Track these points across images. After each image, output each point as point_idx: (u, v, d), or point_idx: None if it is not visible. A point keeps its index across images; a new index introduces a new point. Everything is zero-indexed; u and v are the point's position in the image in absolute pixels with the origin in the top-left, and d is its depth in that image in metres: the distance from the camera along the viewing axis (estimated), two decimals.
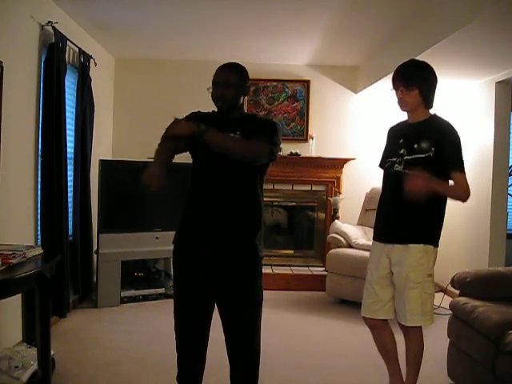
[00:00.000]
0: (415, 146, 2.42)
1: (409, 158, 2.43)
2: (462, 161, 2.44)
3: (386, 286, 2.54)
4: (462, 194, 2.43)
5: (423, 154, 2.38)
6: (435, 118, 2.50)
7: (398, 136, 2.56)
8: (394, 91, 2.51)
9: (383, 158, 2.65)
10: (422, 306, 2.42)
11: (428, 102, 2.48)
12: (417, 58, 3.77)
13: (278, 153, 2.08)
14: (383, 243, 2.54)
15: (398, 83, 2.47)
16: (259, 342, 2.12)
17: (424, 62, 2.54)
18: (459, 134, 2.46)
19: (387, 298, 2.55)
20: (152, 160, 1.99)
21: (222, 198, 2.04)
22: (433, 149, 2.37)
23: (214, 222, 2.03)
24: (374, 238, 2.65)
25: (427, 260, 2.45)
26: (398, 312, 2.52)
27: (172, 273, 2.22)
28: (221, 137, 1.98)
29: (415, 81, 2.42)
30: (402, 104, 2.49)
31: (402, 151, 2.47)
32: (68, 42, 3.79)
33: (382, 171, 2.65)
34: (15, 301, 2.80)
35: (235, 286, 2.05)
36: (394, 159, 2.50)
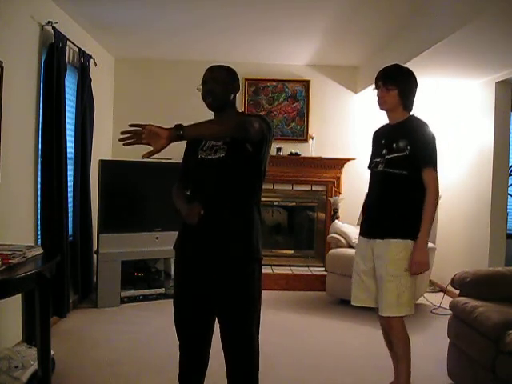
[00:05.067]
0: (394, 145, 2.55)
1: (389, 157, 2.56)
2: (432, 158, 2.53)
3: (373, 277, 2.65)
4: (434, 199, 2.51)
5: (401, 153, 2.52)
6: (411, 119, 2.63)
7: (380, 138, 2.71)
8: (375, 91, 2.68)
9: (370, 160, 2.78)
10: (398, 298, 2.51)
11: (406, 104, 2.61)
12: (417, 57, 3.83)
13: (267, 136, 2.04)
14: (368, 238, 2.66)
15: (379, 82, 2.63)
16: (257, 349, 2.11)
17: (406, 68, 2.70)
18: (434, 132, 2.58)
19: (374, 289, 2.65)
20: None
21: (215, 204, 2.04)
22: (408, 147, 2.50)
23: (205, 237, 2.04)
24: (360, 234, 2.78)
25: (406, 254, 2.53)
26: (378, 305, 2.60)
27: (172, 275, 2.23)
28: (202, 128, 1.85)
29: (395, 81, 2.57)
30: (381, 102, 2.65)
31: (383, 151, 2.60)
32: (68, 42, 3.79)
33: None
34: (15, 301, 2.79)
35: (228, 297, 2.05)
36: (378, 159, 2.63)
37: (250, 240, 2.06)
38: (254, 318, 2.10)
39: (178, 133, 1.72)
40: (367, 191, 2.81)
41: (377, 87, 2.65)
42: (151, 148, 1.70)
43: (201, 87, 2.14)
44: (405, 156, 2.50)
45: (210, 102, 2.10)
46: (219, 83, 2.10)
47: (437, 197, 2.52)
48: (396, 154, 2.53)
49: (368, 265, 2.65)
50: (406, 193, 2.54)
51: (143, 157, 1.70)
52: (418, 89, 2.64)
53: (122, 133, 1.68)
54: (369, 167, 2.77)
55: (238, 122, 1.94)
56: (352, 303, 2.76)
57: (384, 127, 2.78)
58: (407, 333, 2.58)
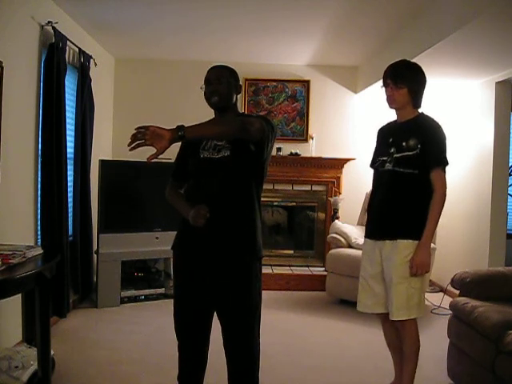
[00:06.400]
0: (403, 144, 2.48)
1: (398, 155, 2.49)
2: (443, 159, 2.48)
3: (381, 281, 2.58)
4: (441, 200, 2.46)
5: (411, 152, 2.46)
6: (422, 116, 2.57)
7: (387, 135, 2.63)
8: (383, 88, 2.57)
9: (373, 158, 2.70)
10: (408, 301, 2.46)
11: (416, 101, 2.54)
12: (417, 57, 3.83)
13: (269, 136, 2.03)
14: (374, 240, 2.60)
15: (388, 81, 2.53)
16: (258, 349, 2.11)
17: (415, 63, 2.60)
18: (445, 131, 2.52)
19: (382, 293, 2.59)
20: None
21: (216, 203, 2.03)
22: (419, 146, 2.44)
23: (209, 228, 2.02)
24: (366, 236, 2.70)
25: None
26: (388, 308, 2.56)
27: (172, 274, 2.23)
28: (204, 128, 1.87)
29: (405, 80, 2.49)
30: (391, 101, 2.55)
31: (391, 150, 2.53)
32: (68, 42, 3.79)
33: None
34: (15, 301, 2.79)
35: (231, 296, 2.05)
36: (385, 158, 2.56)
37: (254, 239, 2.07)
38: (256, 317, 2.10)
39: (179, 133, 1.73)
40: (371, 191, 2.72)
41: (385, 85, 2.55)
42: (153, 150, 1.70)
43: (204, 86, 2.14)
44: (415, 155, 2.43)
45: (215, 101, 2.10)
46: (224, 83, 2.11)
47: (444, 198, 2.45)
48: (406, 153, 2.46)
49: (375, 268, 2.58)
50: (415, 192, 2.48)
51: (148, 160, 1.70)
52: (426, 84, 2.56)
53: (131, 138, 1.69)
54: (372, 166, 2.69)
55: (239, 122, 1.95)
56: (358, 309, 2.69)
57: (391, 125, 2.69)
58: (419, 334, 2.54)
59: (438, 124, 2.51)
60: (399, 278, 2.45)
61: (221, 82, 2.10)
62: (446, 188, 2.46)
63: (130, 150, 1.69)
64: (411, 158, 2.44)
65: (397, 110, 2.58)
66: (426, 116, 2.56)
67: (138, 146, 1.69)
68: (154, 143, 1.68)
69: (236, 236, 2.05)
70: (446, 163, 2.47)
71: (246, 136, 1.94)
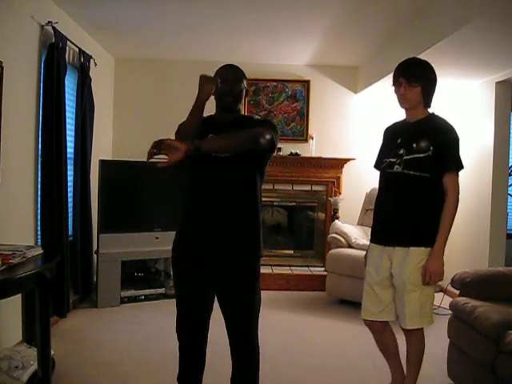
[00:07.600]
0: (414, 145, 2.39)
1: (408, 157, 2.40)
2: (457, 162, 2.40)
3: (387, 288, 2.52)
4: (454, 206, 2.38)
5: (422, 154, 2.36)
6: (433, 117, 2.48)
7: (395, 136, 2.53)
8: (393, 87, 2.48)
9: (379, 159, 2.61)
10: (421, 308, 2.42)
11: (427, 100, 2.47)
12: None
13: (276, 144, 2.07)
14: (382, 246, 2.51)
15: (400, 79, 2.43)
16: (257, 347, 2.12)
17: (426, 61, 2.52)
18: (458, 132, 2.44)
19: (388, 300, 2.53)
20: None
21: (219, 203, 2.04)
22: (431, 148, 2.35)
23: (211, 227, 2.04)
24: (372, 241, 2.61)
25: None
26: (399, 316, 2.51)
27: (171, 273, 2.23)
28: (218, 141, 1.94)
29: (418, 78, 2.40)
30: (403, 100, 2.45)
31: (401, 151, 2.43)
32: (68, 42, 3.79)
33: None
34: (15, 301, 2.80)
35: (231, 295, 2.06)
36: (394, 160, 2.46)
37: (257, 238, 2.08)
38: (256, 317, 2.10)
39: (195, 146, 1.80)
40: (378, 193, 2.61)
41: (396, 84, 2.45)
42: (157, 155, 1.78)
43: (219, 82, 2.10)
44: (427, 157, 2.34)
45: (228, 102, 2.09)
46: (240, 86, 2.11)
47: (457, 204, 2.36)
48: (417, 155, 2.36)
49: (382, 274, 2.50)
50: (427, 197, 2.39)
51: (159, 165, 1.75)
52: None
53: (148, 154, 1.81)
54: (378, 167, 2.59)
55: (251, 135, 1.96)
56: (362, 317, 2.60)
57: (399, 124, 2.59)
58: (424, 341, 2.52)
59: (451, 125, 2.43)
60: (412, 285, 2.39)
61: (237, 84, 2.10)
62: (459, 192, 2.37)
63: (148, 163, 1.80)
64: (422, 160, 2.36)
65: (408, 109, 2.49)
66: (438, 117, 2.47)
67: (153, 155, 1.79)
68: (167, 153, 1.76)
69: (239, 236, 2.06)
70: (461, 167, 2.40)
71: (257, 147, 1.97)
